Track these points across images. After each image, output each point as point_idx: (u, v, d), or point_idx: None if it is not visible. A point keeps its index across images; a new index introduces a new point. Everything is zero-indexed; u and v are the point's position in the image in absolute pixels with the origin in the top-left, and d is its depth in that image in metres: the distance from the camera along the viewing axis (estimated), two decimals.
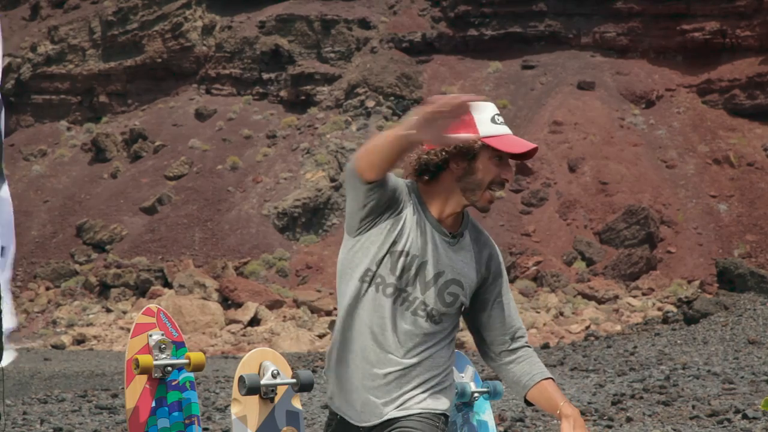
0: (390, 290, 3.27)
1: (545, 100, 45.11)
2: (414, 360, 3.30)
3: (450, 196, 3.28)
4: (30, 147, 47.59)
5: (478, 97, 3.18)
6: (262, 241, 39.36)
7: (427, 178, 3.29)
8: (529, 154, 3.28)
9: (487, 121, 3.25)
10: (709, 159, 42.21)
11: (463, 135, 3.18)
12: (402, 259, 3.26)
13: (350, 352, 3.32)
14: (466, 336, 23.71)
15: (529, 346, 3.40)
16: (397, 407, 3.30)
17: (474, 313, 3.41)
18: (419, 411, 3.31)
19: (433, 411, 3.31)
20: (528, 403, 3.43)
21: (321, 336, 30.03)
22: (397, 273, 3.26)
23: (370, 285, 3.29)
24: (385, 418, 3.29)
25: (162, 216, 41.40)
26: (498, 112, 3.30)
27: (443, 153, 3.24)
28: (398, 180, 3.26)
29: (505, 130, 3.27)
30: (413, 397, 3.31)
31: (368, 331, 3.30)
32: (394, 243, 3.26)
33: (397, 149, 3.04)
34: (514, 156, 3.27)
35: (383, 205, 3.22)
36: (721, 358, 17.33)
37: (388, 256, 3.26)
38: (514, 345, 3.38)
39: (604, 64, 46.88)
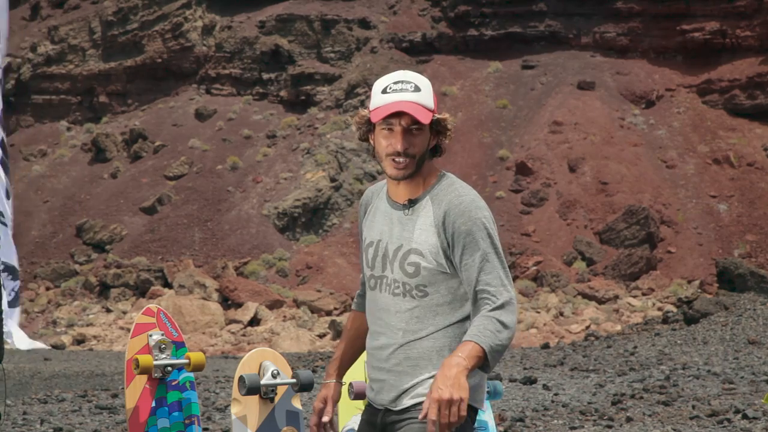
0: (372, 282, 3.46)
1: (545, 100, 45.07)
2: (415, 340, 3.36)
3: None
4: (30, 147, 47.57)
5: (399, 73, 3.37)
6: (262, 241, 39.35)
7: None
8: (413, 114, 3.27)
9: (378, 93, 3.34)
10: (709, 159, 42.18)
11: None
12: (370, 249, 3.46)
13: (368, 345, 3.51)
14: None
15: (487, 305, 3.27)
16: (408, 394, 3.40)
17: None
18: (422, 400, 3.35)
19: None
20: None
21: (321, 336, 30.01)
22: (370, 263, 3.45)
23: (367, 288, 3.53)
24: (399, 408, 3.39)
25: (162, 216, 41.39)
26: (398, 80, 3.31)
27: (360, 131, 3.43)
28: (361, 200, 3.58)
29: (390, 98, 3.29)
30: (421, 383, 3.36)
31: (372, 323, 3.48)
32: (364, 240, 3.52)
33: None
34: (389, 121, 3.29)
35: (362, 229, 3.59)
36: (721, 358, 17.32)
37: (363, 254, 3.50)
38: (477, 308, 3.31)
39: (604, 64, 46.85)
